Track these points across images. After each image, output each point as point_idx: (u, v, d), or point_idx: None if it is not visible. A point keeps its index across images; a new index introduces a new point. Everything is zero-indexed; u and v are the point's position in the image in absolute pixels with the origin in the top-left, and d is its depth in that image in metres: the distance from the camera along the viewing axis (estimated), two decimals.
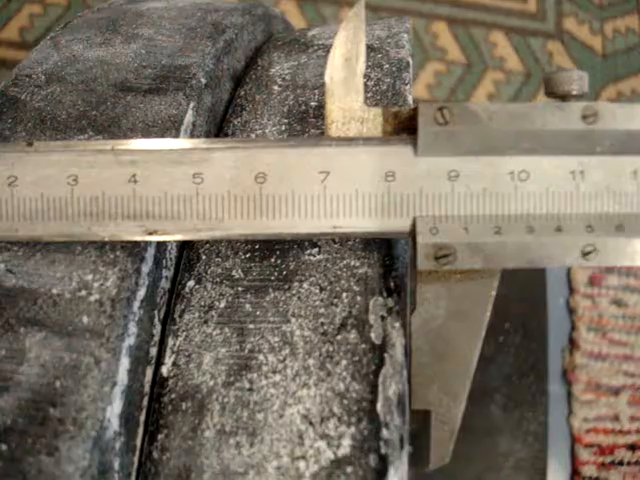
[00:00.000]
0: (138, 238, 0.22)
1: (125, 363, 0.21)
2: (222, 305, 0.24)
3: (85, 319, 0.22)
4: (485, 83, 0.76)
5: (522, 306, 0.66)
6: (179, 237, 0.22)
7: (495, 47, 0.79)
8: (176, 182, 0.22)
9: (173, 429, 0.22)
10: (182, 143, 0.22)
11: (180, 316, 0.24)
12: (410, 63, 0.31)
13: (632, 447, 0.64)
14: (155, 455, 0.22)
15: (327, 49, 0.32)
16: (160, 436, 0.22)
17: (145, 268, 0.23)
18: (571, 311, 0.68)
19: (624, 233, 0.21)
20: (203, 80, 0.28)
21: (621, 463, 0.64)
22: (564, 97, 0.22)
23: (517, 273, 0.62)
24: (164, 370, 0.23)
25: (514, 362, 0.65)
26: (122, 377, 0.21)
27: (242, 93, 0.31)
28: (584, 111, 0.21)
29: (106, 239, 0.22)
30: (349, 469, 0.21)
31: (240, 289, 0.24)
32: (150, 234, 0.22)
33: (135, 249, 0.23)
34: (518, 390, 0.66)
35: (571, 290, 0.67)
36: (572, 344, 0.66)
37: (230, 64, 0.31)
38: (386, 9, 0.77)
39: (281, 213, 0.22)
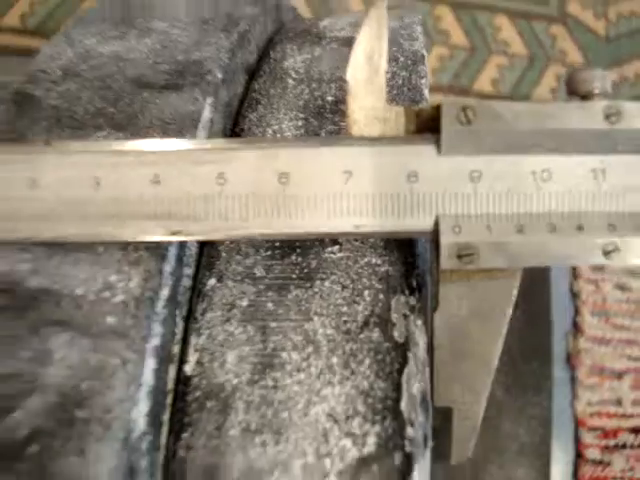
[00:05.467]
0: (161, 239, 0.22)
1: (150, 364, 0.22)
2: (244, 304, 0.24)
3: (110, 320, 0.22)
4: (489, 67, 0.76)
5: (526, 291, 0.66)
6: (202, 237, 0.22)
7: (499, 31, 0.79)
8: (199, 182, 0.22)
9: (198, 427, 0.22)
10: (205, 143, 0.22)
11: (202, 314, 0.24)
12: (425, 56, 0.31)
13: (635, 430, 0.65)
14: (181, 453, 0.22)
15: (340, 41, 0.32)
16: (185, 435, 0.22)
17: (168, 267, 0.23)
18: (575, 296, 0.68)
19: None
20: (219, 75, 0.28)
21: (624, 446, 0.65)
22: (586, 96, 0.22)
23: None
24: (187, 368, 0.23)
25: (519, 346, 0.65)
26: (148, 378, 0.22)
27: (256, 87, 0.30)
28: (607, 110, 0.21)
29: (129, 240, 0.22)
30: (374, 467, 0.21)
31: (262, 287, 0.24)
32: (173, 234, 0.22)
33: (158, 249, 0.23)
34: (522, 374, 0.67)
35: (575, 275, 0.67)
36: (576, 328, 0.67)
37: (244, 57, 0.31)
38: None
39: (304, 213, 0.22)
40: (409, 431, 0.21)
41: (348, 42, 0.30)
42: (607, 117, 0.21)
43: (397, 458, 0.21)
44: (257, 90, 0.30)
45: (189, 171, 0.21)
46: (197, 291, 0.25)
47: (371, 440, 0.21)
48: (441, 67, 0.81)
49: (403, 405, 0.21)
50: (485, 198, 0.22)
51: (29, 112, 0.27)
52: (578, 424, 0.67)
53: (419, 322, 0.22)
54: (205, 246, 0.26)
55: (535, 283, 0.69)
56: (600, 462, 0.66)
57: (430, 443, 0.21)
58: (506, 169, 0.21)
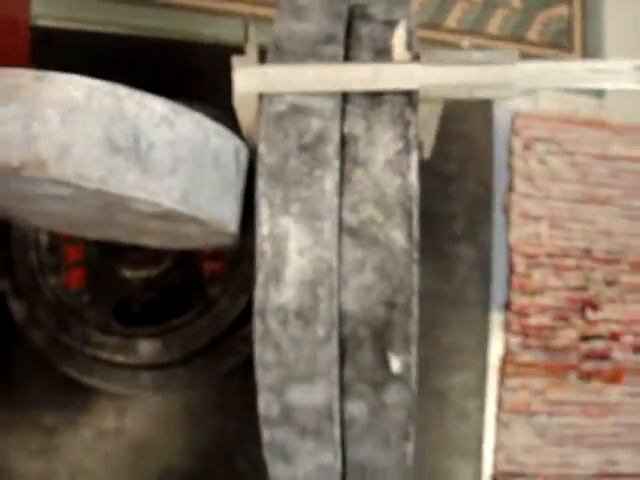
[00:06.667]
0: None
1: None
2: None
3: None
4: (456, 9, 1.14)
5: (475, 162, 1.02)
6: None
7: None
8: None
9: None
10: None
11: None
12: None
13: (549, 255, 1.00)
14: None
15: None
16: None
17: None
18: (510, 167, 1.03)
19: None
20: None
21: (541, 265, 0.99)
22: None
23: (473, 143, 1.04)
24: None
25: (470, 202, 1.01)
26: None
27: None
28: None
29: None
30: None
31: None
32: None
33: None
34: (473, 220, 1.00)
35: (510, 152, 1.03)
36: (510, 189, 1.02)
37: None
38: None
39: None
40: None
41: None
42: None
43: None
44: None
45: None
46: None
47: None
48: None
49: None
50: None
51: None
52: (511, 250, 1.02)
53: None
54: None
55: (481, 157, 1.04)
56: (524, 275, 1.01)
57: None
58: None
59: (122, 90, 0.40)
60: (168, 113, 0.41)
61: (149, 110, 0.41)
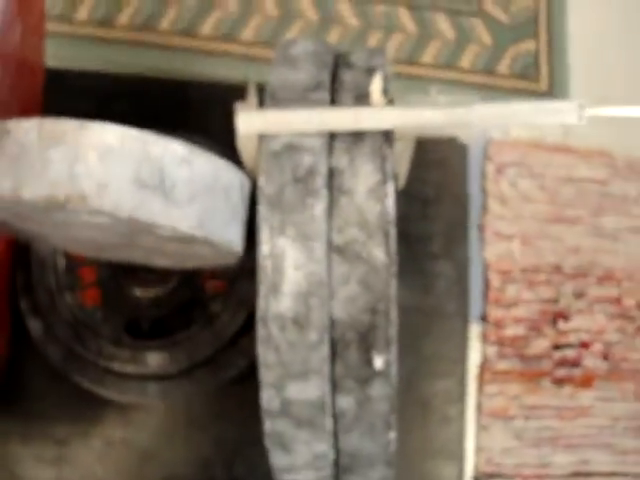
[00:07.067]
0: None
1: None
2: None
3: None
4: (431, 47, 1.24)
5: (453, 190, 1.08)
6: None
7: (435, 23, 1.27)
8: None
9: None
10: None
11: None
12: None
13: (522, 270, 1.05)
14: None
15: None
16: None
17: None
18: (483, 191, 1.09)
19: None
20: None
21: (515, 281, 1.05)
22: None
23: (449, 169, 1.12)
24: None
25: (448, 222, 1.06)
26: None
27: None
28: None
29: None
30: None
31: None
32: None
33: None
34: (451, 238, 1.05)
35: (484, 177, 1.09)
36: (484, 210, 1.07)
37: None
38: None
39: None
40: None
41: None
42: None
43: None
44: None
45: None
46: None
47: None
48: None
49: None
50: None
51: None
52: (486, 266, 1.07)
53: None
54: None
55: (457, 181, 1.10)
56: (499, 289, 1.07)
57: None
58: None
59: (149, 136, 0.49)
60: (187, 154, 0.51)
61: (171, 152, 0.50)
